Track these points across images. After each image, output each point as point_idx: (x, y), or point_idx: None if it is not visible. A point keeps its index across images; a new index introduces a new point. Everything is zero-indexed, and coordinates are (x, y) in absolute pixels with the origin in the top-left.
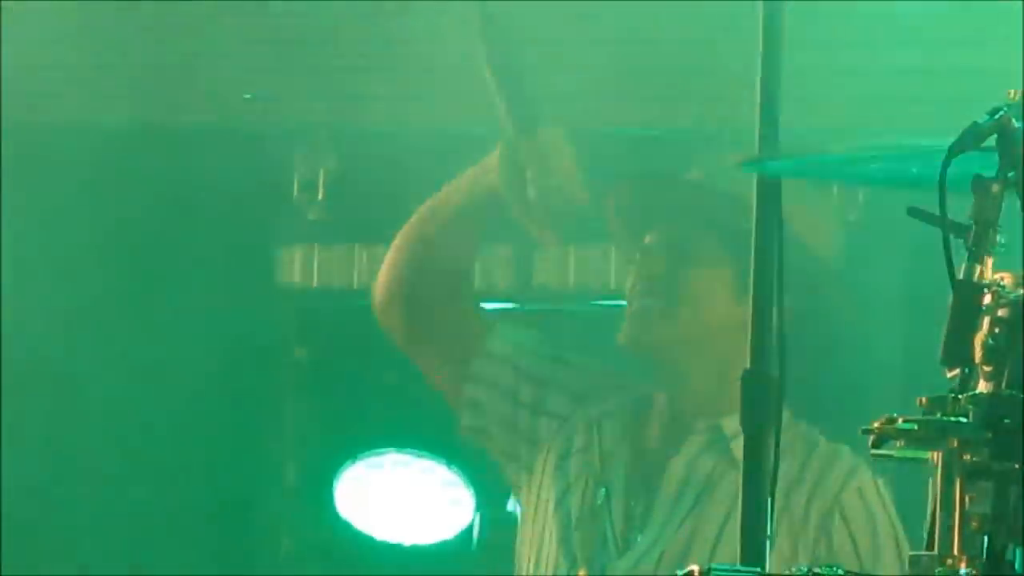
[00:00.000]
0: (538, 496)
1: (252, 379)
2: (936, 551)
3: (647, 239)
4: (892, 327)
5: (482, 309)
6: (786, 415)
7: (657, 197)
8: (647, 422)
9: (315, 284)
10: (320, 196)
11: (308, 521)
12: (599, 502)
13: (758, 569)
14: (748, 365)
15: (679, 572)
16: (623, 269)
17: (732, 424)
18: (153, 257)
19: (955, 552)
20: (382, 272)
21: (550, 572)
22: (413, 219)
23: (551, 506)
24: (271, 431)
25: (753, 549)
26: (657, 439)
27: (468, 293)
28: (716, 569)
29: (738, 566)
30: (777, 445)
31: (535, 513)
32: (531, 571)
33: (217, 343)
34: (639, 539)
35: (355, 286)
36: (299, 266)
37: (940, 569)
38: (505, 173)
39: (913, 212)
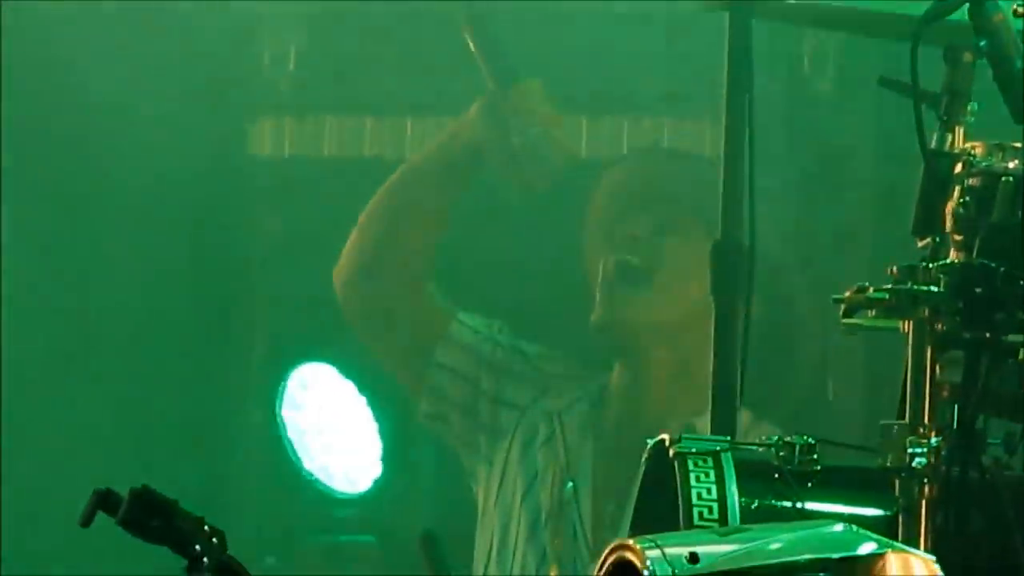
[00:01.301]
0: (500, 487)
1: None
2: (907, 420)
3: (635, 223)
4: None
5: (443, 295)
6: (748, 416)
7: (659, 179)
8: (607, 415)
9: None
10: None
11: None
12: (567, 496)
13: (728, 438)
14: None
15: (648, 440)
16: (597, 251)
17: (704, 424)
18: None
19: (926, 421)
20: (344, 254)
21: (517, 566)
22: (378, 193)
23: (518, 498)
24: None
25: (725, 421)
26: (616, 434)
27: (430, 275)
28: (687, 438)
29: (709, 436)
30: (748, 316)
31: (496, 504)
32: (494, 564)
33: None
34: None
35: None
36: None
37: (910, 438)
38: (486, 124)
39: (885, 82)
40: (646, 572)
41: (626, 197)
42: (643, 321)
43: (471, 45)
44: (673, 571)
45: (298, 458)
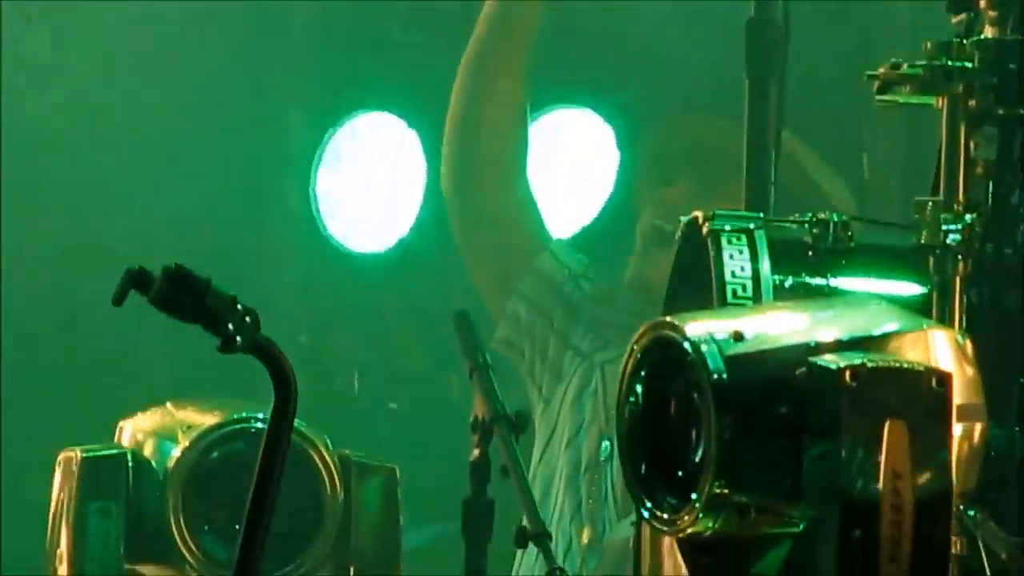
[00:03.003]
0: (552, 430)
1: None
2: (942, 197)
3: (673, 186)
4: None
5: (538, 219)
6: None
7: (707, 137)
8: None
9: None
10: None
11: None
12: (603, 456)
13: (761, 215)
14: None
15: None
16: (641, 211)
17: None
18: None
19: (960, 198)
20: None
21: (556, 514)
22: (452, 100)
23: (563, 446)
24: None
25: (759, 197)
26: None
27: (522, 181)
28: (721, 215)
29: (742, 211)
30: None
31: (547, 448)
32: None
33: None
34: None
35: None
36: None
37: (945, 215)
38: None
39: None
40: (688, 347)
41: (666, 159)
42: None
43: None
44: (719, 349)
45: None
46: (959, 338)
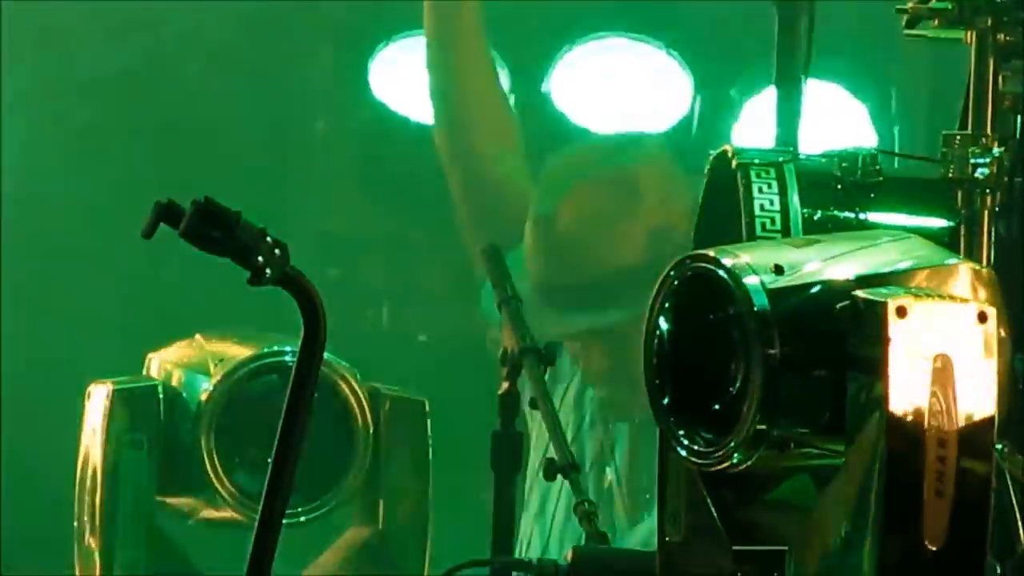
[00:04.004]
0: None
1: None
2: (969, 130)
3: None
4: None
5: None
6: None
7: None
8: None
9: None
10: None
11: (343, 104)
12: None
13: (790, 148)
14: None
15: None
16: None
17: None
18: None
19: (988, 132)
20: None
21: (560, 516)
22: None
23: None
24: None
25: (789, 131)
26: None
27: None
28: (748, 149)
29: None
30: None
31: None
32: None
33: None
34: (644, 517)
35: None
36: None
37: (973, 148)
38: None
39: None
40: (730, 280)
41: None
42: None
43: None
44: (762, 282)
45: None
46: (987, 272)
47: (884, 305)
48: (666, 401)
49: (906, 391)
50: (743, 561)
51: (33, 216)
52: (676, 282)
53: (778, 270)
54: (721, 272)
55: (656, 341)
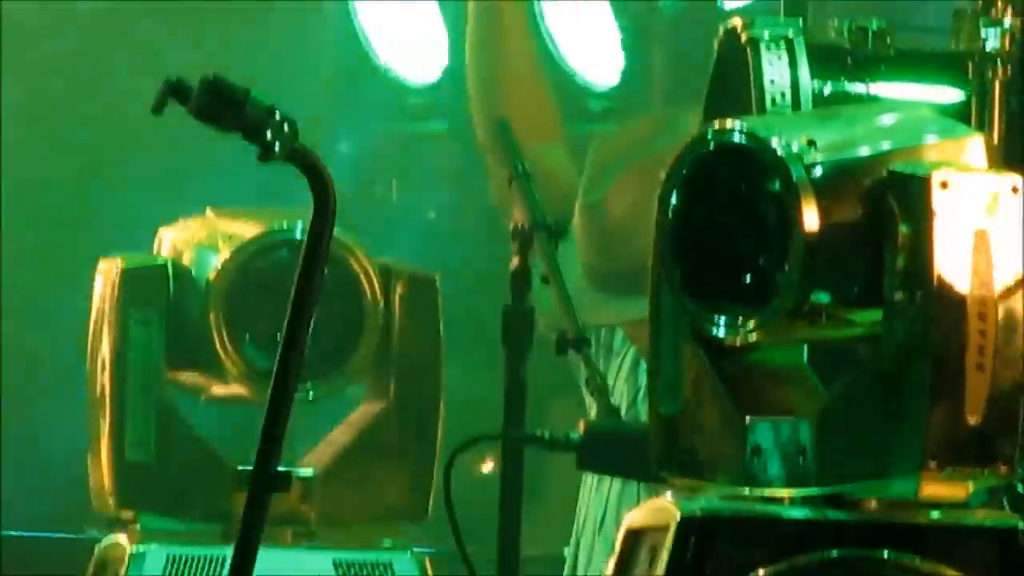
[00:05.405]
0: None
1: None
2: (980, 2)
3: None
4: None
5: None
6: None
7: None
8: None
9: None
10: None
11: None
12: None
13: (799, 21)
14: None
15: None
16: None
17: None
18: None
19: (999, 4)
20: None
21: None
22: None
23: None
24: None
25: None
26: None
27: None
28: (759, 22)
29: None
30: None
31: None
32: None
33: None
34: None
35: None
36: None
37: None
38: None
39: None
40: (757, 149)
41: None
42: None
43: None
44: (800, 156)
45: (371, 47)
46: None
47: (928, 180)
48: (696, 277)
49: (949, 264)
50: (759, 437)
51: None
52: (696, 156)
53: (811, 143)
54: (753, 145)
55: (671, 217)
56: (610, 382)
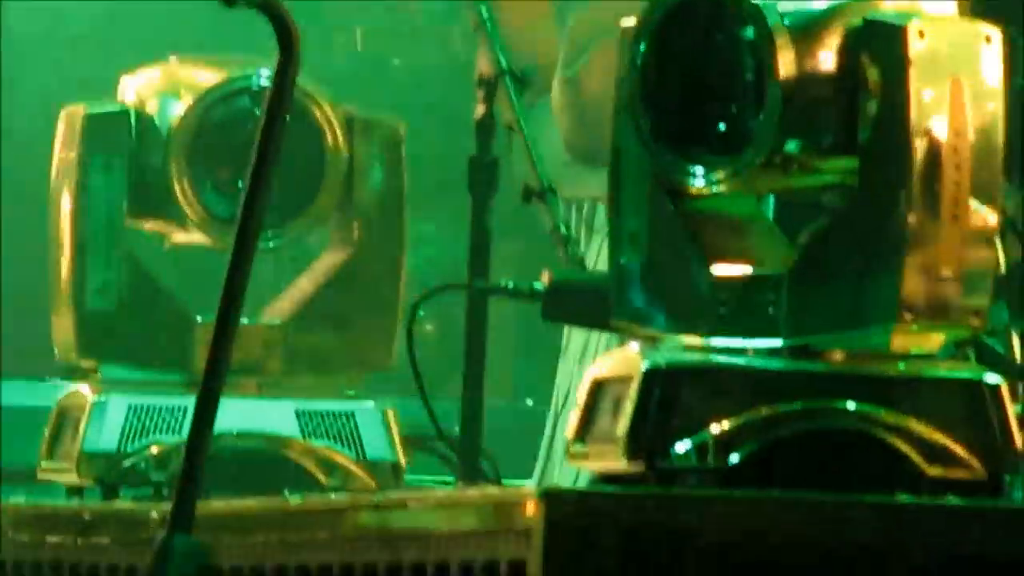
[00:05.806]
0: (583, 351)
1: None
2: None
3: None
4: None
5: None
6: None
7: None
8: None
9: None
10: None
11: None
12: None
13: None
14: None
15: None
16: None
17: None
18: None
19: None
20: None
21: None
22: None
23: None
24: None
25: None
26: None
27: None
28: None
29: None
30: None
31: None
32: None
33: None
34: None
35: None
36: None
37: None
38: None
39: None
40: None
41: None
42: None
43: None
44: (775, 3)
45: None
46: None
47: (904, 29)
48: (666, 128)
49: (925, 113)
50: (724, 289)
51: None
52: (668, 4)
53: None
54: None
55: (640, 65)
56: (590, 261)
